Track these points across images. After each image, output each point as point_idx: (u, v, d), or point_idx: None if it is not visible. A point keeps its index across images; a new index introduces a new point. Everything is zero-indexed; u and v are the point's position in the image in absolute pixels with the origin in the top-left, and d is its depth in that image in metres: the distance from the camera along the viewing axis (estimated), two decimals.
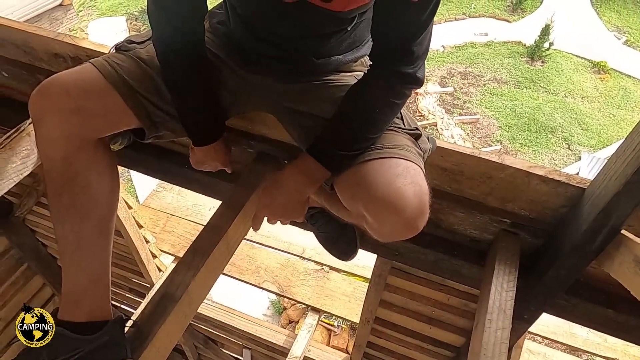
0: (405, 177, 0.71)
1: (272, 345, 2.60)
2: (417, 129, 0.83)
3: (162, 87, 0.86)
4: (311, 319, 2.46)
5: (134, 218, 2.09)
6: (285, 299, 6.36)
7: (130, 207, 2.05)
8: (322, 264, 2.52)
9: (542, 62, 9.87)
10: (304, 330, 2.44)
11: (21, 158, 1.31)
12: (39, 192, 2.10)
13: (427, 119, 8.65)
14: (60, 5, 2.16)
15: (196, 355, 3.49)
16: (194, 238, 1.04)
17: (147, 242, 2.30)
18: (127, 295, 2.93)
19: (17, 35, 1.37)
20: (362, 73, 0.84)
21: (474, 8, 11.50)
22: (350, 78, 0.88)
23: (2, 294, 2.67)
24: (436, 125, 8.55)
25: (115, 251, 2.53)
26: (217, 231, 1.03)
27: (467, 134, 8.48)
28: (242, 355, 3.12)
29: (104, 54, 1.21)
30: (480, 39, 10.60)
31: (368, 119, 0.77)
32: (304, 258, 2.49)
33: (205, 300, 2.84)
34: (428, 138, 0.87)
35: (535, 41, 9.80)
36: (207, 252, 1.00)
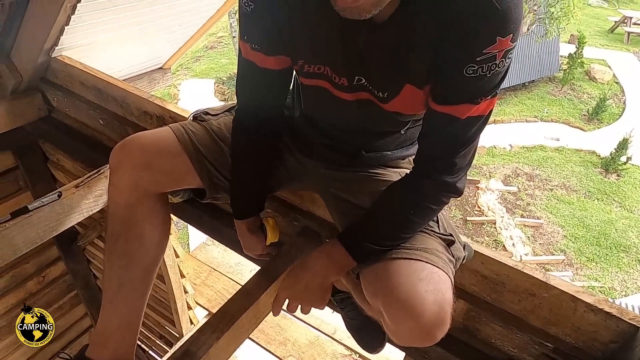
0: (429, 283, 0.71)
1: None
2: (451, 235, 0.83)
3: (227, 156, 0.96)
4: None
5: (179, 267, 2.18)
6: None
7: (177, 256, 2.14)
8: (352, 350, 2.42)
9: (618, 175, 9.39)
10: None
11: (95, 196, 1.45)
12: (102, 226, 2.28)
13: (486, 216, 8.37)
14: (160, 68, 2.51)
15: None
16: (229, 296, 1.08)
17: (186, 292, 2.36)
18: (156, 341, 2.96)
19: (117, 92, 1.59)
20: (407, 171, 0.88)
21: (546, 112, 11.43)
22: (396, 174, 0.92)
23: None
24: (495, 224, 8.22)
25: (155, 295, 2.61)
26: (249, 298, 1.06)
27: (528, 237, 8.04)
28: None
29: (184, 117, 1.37)
30: (551, 144, 10.40)
31: (402, 220, 0.78)
32: (334, 339, 2.41)
33: None
34: (464, 246, 0.86)
35: (611, 153, 9.42)
36: (235, 317, 1.02)
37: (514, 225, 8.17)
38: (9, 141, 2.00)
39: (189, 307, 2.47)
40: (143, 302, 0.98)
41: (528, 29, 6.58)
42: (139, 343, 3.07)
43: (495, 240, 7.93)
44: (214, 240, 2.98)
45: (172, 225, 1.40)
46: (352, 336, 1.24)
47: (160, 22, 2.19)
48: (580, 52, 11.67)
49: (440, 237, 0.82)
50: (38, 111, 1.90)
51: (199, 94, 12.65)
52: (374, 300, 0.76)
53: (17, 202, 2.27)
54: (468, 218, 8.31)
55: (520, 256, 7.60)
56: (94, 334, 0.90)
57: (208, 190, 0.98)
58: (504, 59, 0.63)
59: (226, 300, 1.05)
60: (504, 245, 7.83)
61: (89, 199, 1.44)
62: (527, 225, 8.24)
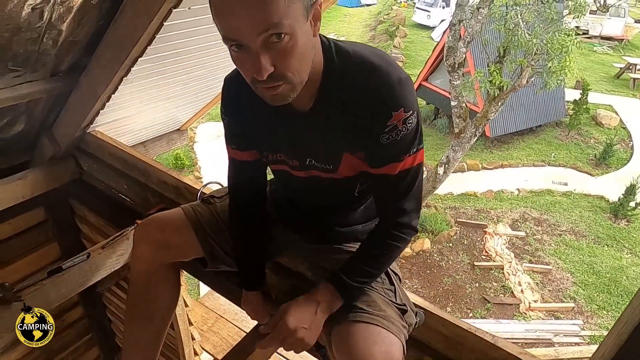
0: (381, 346, 0.89)
1: None
2: (405, 305, 1.03)
3: (227, 234, 1.18)
4: None
5: (187, 315, 2.37)
6: None
7: (186, 305, 2.33)
8: None
9: (628, 221, 9.36)
10: None
11: (117, 255, 1.68)
12: (120, 275, 2.49)
13: (494, 261, 8.36)
14: (178, 130, 2.83)
15: None
16: (234, 343, 1.26)
17: (194, 339, 2.52)
18: None
19: (140, 164, 1.85)
20: None
21: (554, 157, 11.56)
22: None
23: (63, 358, 2.98)
24: (502, 269, 8.19)
25: (165, 341, 2.77)
26: (243, 353, 1.25)
27: (537, 283, 7.98)
28: None
29: (196, 188, 1.62)
30: (559, 188, 10.46)
31: (373, 257, 0.99)
32: None
33: None
34: (416, 313, 1.06)
35: (619, 199, 9.44)
36: None
37: (522, 271, 8.14)
38: (42, 199, 2.27)
39: (196, 353, 2.62)
40: (157, 354, 1.18)
41: (527, 82, 6.86)
42: None
43: (503, 286, 7.89)
44: None
45: (184, 276, 1.62)
46: None
47: (184, 91, 2.48)
48: (585, 98, 11.93)
49: (396, 306, 1.02)
50: (70, 175, 2.17)
51: (215, 136, 13.15)
52: (339, 355, 0.94)
53: (44, 252, 2.52)
54: (476, 263, 8.31)
55: (529, 303, 7.53)
56: None
57: (209, 261, 1.20)
58: (405, 124, 0.84)
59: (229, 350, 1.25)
60: (512, 292, 7.78)
61: (112, 258, 1.67)
62: (535, 271, 8.20)
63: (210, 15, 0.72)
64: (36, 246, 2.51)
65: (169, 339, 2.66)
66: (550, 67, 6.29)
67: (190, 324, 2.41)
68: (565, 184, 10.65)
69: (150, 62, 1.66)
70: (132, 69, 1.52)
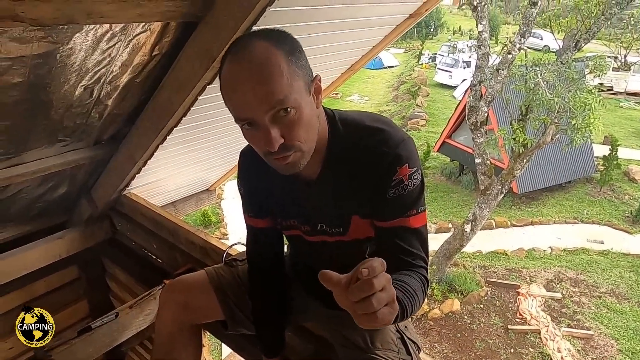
0: None
1: None
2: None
3: (247, 298, 1.22)
4: None
5: None
6: None
7: None
8: None
9: None
10: None
11: (144, 315, 1.72)
12: (145, 335, 2.51)
13: (529, 324, 7.89)
14: (207, 190, 2.96)
15: None
16: None
17: None
18: None
19: (170, 224, 1.93)
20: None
21: (587, 214, 11.19)
22: None
23: None
24: (539, 334, 7.70)
25: None
26: None
27: (578, 350, 7.42)
28: None
29: (222, 249, 1.67)
30: (595, 247, 10.00)
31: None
32: None
33: None
34: None
35: None
36: None
37: (561, 336, 7.62)
38: (76, 258, 2.37)
39: None
40: None
41: (552, 139, 6.85)
42: None
43: (541, 352, 7.38)
44: None
45: (207, 336, 1.62)
46: None
47: (213, 155, 2.62)
48: (615, 154, 11.71)
49: None
50: (104, 234, 2.27)
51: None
52: None
53: (74, 310, 2.57)
54: (509, 326, 7.86)
55: None
56: None
57: (230, 325, 1.23)
58: (410, 179, 0.88)
59: None
60: (551, 359, 7.26)
61: (139, 318, 1.71)
62: (575, 337, 7.67)
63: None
64: (67, 304, 2.58)
65: None
66: (574, 124, 6.30)
67: None
68: (602, 242, 10.19)
69: (184, 131, 1.79)
70: (167, 137, 1.65)
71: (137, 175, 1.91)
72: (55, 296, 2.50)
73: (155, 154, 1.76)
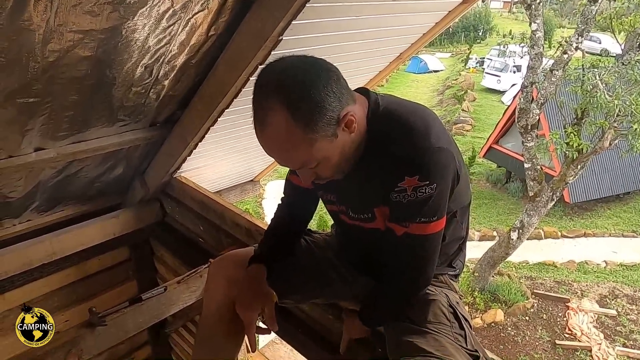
0: None
1: None
2: (476, 351, 0.97)
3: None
4: None
5: None
6: None
7: (248, 351, 2.35)
8: None
9: None
10: None
11: (190, 291, 1.77)
12: (189, 316, 2.59)
13: (580, 340, 7.44)
14: (251, 181, 3.02)
15: None
16: None
17: None
18: None
19: (217, 206, 1.98)
20: (445, 289, 1.08)
21: None
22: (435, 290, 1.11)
23: None
24: (590, 351, 7.24)
25: None
26: None
27: None
28: None
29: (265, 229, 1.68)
30: None
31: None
32: None
33: None
34: None
35: None
36: None
37: (615, 356, 7.13)
38: (127, 239, 2.48)
39: None
40: None
41: (610, 144, 6.45)
42: None
43: None
44: (282, 340, 3.14)
45: None
46: None
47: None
48: None
49: (467, 351, 0.96)
50: (155, 216, 2.37)
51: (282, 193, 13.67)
52: None
53: (124, 289, 2.70)
54: (557, 342, 7.45)
55: None
56: None
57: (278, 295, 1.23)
58: (415, 192, 0.87)
59: None
60: None
61: (185, 293, 1.76)
62: (631, 357, 7.15)
63: None
64: (117, 283, 2.70)
65: None
66: (636, 129, 5.90)
67: None
68: None
69: (235, 114, 1.83)
70: (218, 119, 1.69)
71: (188, 158, 1.97)
72: (106, 275, 2.63)
73: (206, 136, 1.81)
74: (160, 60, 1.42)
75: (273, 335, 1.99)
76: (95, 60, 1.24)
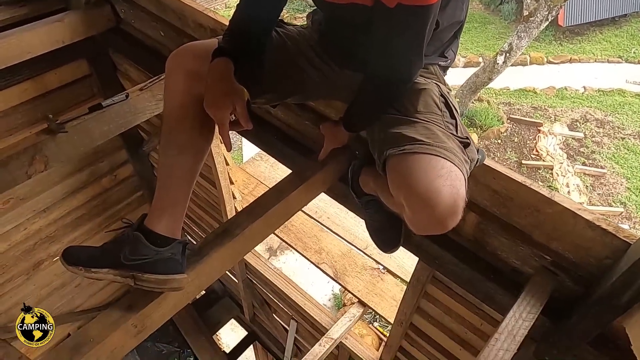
0: (446, 179, 0.79)
1: (315, 323, 2.78)
2: (467, 138, 0.91)
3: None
4: (356, 309, 2.58)
5: (228, 174, 2.42)
6: (347, 297, 6.50)
7: (227, 164, 2.37)
8: (380, 264, 2.62)
9: None
10: (346, 317, 2.57)
11: (157, 100, 1.64)
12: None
13: (544, 160, 8.00)
14: None
15: (251, 313, 3.82)
16: None
17: (235, 198, 2.62)
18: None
19: (175, 5, 1.71)
20: (433, 81, 0.98)
21: (634, 53, 10.23)
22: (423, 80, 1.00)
23: (118, 211, 3.25)
24: (551, 169, 7.86)
25: (207, 199, 2.91)
26: (280, 193, 1.22)
27: (586, 186, 7.66)
28: (288, 325, 3.35)
29: None
30: (633, 88, 9.40)
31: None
32: (365, 254, 2.61)
33: (271, 267, 3.10)
34: (478, 150, 0.95)
35: None
36: (267, 207, 1.19)
37: (572, 173, 7.78)
38: (83, 49, 2.23)
39: (237, 211, 2.75)
40: (188, 188, 1.14)
41: None
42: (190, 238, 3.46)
43: (549, 186, 7.64)
44: (262, 156, 3.20)
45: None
46: (371, 237, 1.38)
47: None
48: None
49: (458, 139, 0.91)
50: (107, 22, 2.08)
51: None
52: (396, 192, 0.86)
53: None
54: (523, 161, 8.00)
55: None
56: (151, 208, 1.08)
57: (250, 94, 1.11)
58: None
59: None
60: (557, 192, 7.54)
61: (151, 102, 1.63)
62: (587, 174, 7.82)
63: None
64: (83, 100, 2.56)
65: (212, 197, 2.78)
66: None
67: (232, 182, 2.47)
68: None
69: None
70: None
71: None
72: (69, 92, 2.47)
73: None
74: None
75: (254, 151, 1.98)
76: None
